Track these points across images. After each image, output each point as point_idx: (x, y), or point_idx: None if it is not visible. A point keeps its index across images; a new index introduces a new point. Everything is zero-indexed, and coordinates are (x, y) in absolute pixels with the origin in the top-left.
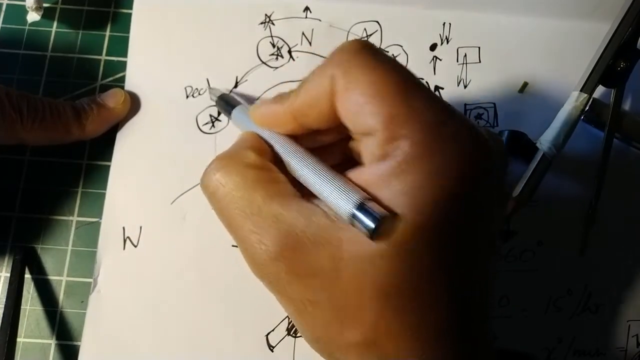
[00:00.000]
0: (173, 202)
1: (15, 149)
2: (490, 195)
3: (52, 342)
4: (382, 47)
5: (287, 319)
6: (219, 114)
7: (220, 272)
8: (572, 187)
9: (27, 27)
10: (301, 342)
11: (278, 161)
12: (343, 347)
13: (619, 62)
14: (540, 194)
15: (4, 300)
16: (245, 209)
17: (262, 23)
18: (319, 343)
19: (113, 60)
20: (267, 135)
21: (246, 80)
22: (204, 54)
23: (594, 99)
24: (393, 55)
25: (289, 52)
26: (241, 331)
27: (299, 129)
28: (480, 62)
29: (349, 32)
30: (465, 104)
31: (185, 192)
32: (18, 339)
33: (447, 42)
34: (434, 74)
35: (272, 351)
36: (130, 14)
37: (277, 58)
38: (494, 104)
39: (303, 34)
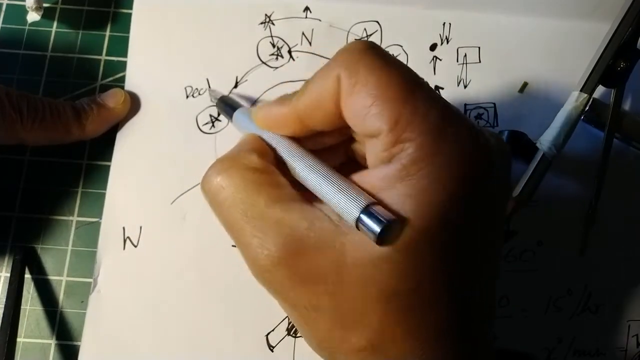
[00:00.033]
0: (173, 202)
1: (15, 149)
2: (491, 195)
3: (52, 342)
4: (382, 47)
5: (287, 319)
6: (219, 114)
7: (220, 272)
8: (572, 187)
9: (27, 27)
10: (301, 342)
11: (279, 164)
12: (347, 352)
13: (619, 62)
14: (540, 194)
15: (4, 300)
16: (247, 213)
17: (262, 23)
18: (323, 348)
19: (113, 60)
20: (269, 137)
21: (246, 80)
22: (204, 54)
23: (594, 99)
24: (393, 55)
25: (289, 52)
26: (241, 331)
27: (303, 131)
28: (480, 62)
29: (349, 32)
30: (465, 104)
31: (185, 192)
32: (18, 339)
33: (447, 42)
34: (434, 74)
35: (272, 351)
36: (130, 14)
37: (277, 58)
38: (494, 104)
39: (303, 34)
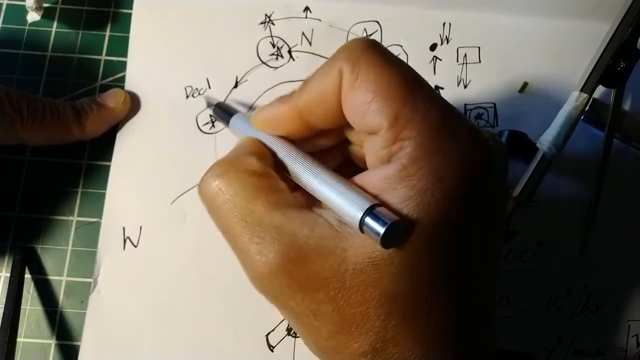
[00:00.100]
0: (173, 202)
1: (15, 149)
2: (490, 195)
3: (52, 342)
4: None
5: None
6: None
7: (220, 272)
8: (572, 187)
9: (27, 27)
10: (301, 342)
11: (278, 167)
12: (349, 357)
13: (619, 62)
14: (540, 194)
15: (4, 300)
16: (245, 218)
17: (262, 23)
18: (324, 354)
19: (113, 60)
20: (268, 140)
21: (246, 80)
22: (204, 54)
23: (594, 99)
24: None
25: (289, 52)
26: (241, 331)
27: (303, 129)
28: (480, 62)
29: (349, 32)
30: (465, 104)
31: (185, 192)
32: (18, 339)
33: (447, 42)
34: (434, 74)
35: (272, 351)
36: (130, 14)
37: (277, 58)
38: (494, 104)
39: (303, 34)
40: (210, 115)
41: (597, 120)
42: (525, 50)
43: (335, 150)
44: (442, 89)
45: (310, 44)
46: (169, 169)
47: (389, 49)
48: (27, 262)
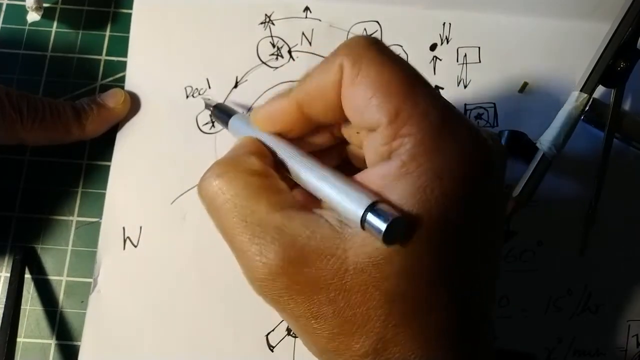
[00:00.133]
0: (173, 202)
1: (15, 149)
2: (490, 195)
3: (52, 342)
4: None
5: None
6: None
7: (220, 272)
8: (572, 187)
9: (27, 27)
10: (301, 342)
11: (277, 167)
12: (350, 358)
13: (619, 62)
14: (540, 194)
15: (4, 300)
16: (246, 218)
17: (262, 23)
18: (325, 356)
19: (113, 60)
20: (268, 139)
21: (246, 80)
22: (204, 54)
23: (594, 99)
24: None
25: (289, 52)
26: (241, 331)
27: (302, 123)
28: (480, 62)
29: (349, 32)
30: (465, 104)
31: (185, 192)
32: (18, 339)
33: (447, 42)
34: (434, 74)
35: (272, 351)
36: (130, 14)
37: (277, 58)
38: (494, 104)
39: (303, 34)
40: (210, 116)
41: (597, 120)
42: (525, 50)
43: (333, 150)
44: (442, 89)
45: (310, 44)
46: (169, 169)
47: None
48: (27, 262)
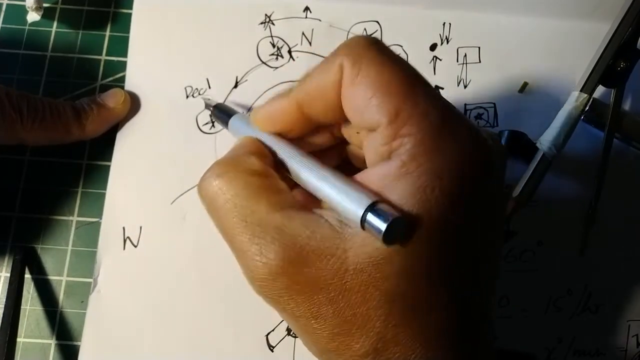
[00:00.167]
0: (173, 202)
1: (15, 149)
2: (490, 195)
3: (52, 342)
4: None
5: None
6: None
7: (220, 272)
8: (572, 187)
9: (27, 27)
10: (301, 342)
11: (277, 167)
12: (351, 358)
13: (619, 62)
14: (540, 194)
15: (4, 300)
16: (246, 218)
17: (262, 23)
18: (325, 356)
19: (113, 60)
20: (268, 139)
21: (246, 80)
22: (204, 54)
23: (594, 99)
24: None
25: (289, 52)
26: (241, 331)
27: (302, 122)
28: (480, 62)
29: (349, 32)
30: (465, 104)
31: (185, 192)
32: (18, 339)
33: (447, 42)
34: (434, 74)
35: (272, 351)
36: (130, 14)
37: (277, 58)
38: (494, 104)
39: (303, 34)
40: (210, 116)
41: (597, 120)
42: (525, 50)
43: (333, 150)
44: (442, 89)
45: (310, 44)
46: (169, 169)
47: None
48: (27, 262)
